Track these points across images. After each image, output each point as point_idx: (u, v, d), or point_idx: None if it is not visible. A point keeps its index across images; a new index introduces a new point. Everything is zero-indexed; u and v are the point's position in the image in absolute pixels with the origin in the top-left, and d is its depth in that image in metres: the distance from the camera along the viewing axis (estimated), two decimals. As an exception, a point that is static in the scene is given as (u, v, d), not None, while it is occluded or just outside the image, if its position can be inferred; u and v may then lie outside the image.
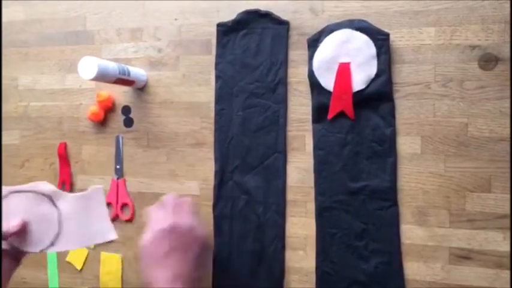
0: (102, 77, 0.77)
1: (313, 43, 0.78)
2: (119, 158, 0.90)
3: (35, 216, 0.70)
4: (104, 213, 0.73)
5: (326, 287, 0.79)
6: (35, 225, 0.70)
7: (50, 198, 0.71)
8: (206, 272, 0.78)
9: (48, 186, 0.72)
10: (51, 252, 0.72)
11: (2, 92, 0.98)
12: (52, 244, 0.70)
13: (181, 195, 0.85)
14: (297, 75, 0.81)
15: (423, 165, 0.75)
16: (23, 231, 0.70)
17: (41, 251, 0.70)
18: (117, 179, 0.90)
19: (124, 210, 0.90)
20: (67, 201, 0.72)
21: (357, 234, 0.77)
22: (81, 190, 0.89)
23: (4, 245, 0.69)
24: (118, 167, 0.90)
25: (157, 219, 0.71)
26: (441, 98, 0.74)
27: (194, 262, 0.68)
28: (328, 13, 0.79)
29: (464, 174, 0.73)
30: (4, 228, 0.68)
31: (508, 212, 0.71)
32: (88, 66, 0.75)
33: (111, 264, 0.91)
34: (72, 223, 0.71)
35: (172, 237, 0.68)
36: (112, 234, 0.73)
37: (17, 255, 0.72)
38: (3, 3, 0.97)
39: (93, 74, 0.75)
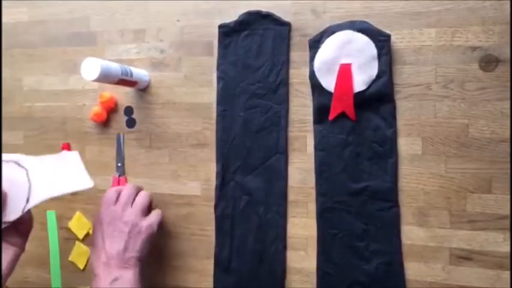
0: (105, 77, 0.77)
1: (315, 44, 0.78)
2: (120, 156, 0.91)
3: (6, 181, 0.68)
4: (79, 166, 0.75)
5: (327, 287, 0.79)
6: (9, 190, 0.68)
7: (16, 162, 0.71)
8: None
9: (11, 155, 0.71)
10: (29, 208, 0.69)
11: (1, 91, 0.99)
12: (27, 200, 0.69)
13: (181, 195, 0.87)
14: (298, 76, 0.81)
15: (424, 166, 0.75)
16: (4, 201, 0.67)
17: (22, 211, 0.68)
18: (119, 176, 0.90)
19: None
20: (34, 161, 0.72)
21: (357, 235, 0.77)
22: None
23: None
24: (119, 164, 0.91)
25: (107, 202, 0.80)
26: (442, 99, 0.74)
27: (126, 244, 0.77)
28: (330, 14, 0.79)
29: (465, 175, 0.73)
30: None
31: (509, 213, 0.71)
32: (91, 67, 0.75)
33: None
34: (42, 175, 0.70)
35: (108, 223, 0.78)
36: (88, 182, 0.74)
37: (15, 240, 0.71)
38: (9, 4, 0.98)
39: (95, 75, 0.75)
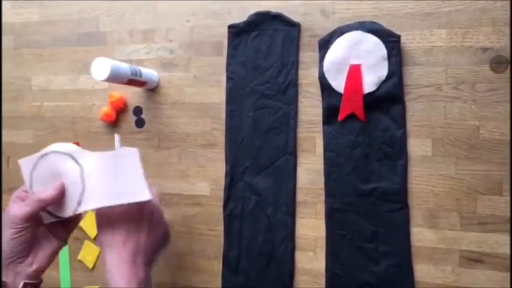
0: (115, 78, 0.78)
1: (324, 45, 0.78)
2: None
3: (62, 175, 0.67)
4: (138, 172, 0.66)
5: (335, 289, 0.79)
6: (67, 186, 0.67)
7: (72, 156, 0.67)
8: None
9: (69, 146, 0.69)
10: (80, 212, 0.66)
11: (1, 91, 1.00)
12: (79, 204, 0.66)
13: (190, 195, 0.87)
14: (307, 77, 0.81)
15: (434, 168, 0.75)
16: (62, 194, 0.66)
17: (73, 213, 0.66)
18: None
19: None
20: (90, 158, 0.67)
21: (367, 236, 0.77)
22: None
23: (46, 220, 0.68)
24: None
25: None
26: (452, 100, 0.74)
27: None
28: (339, 15, 0.79)
29: (475, 176, 0.73)
30: (43, 195, 0.65)
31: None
32: (101, 67, 0.76)
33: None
34: (96, 179, 0.66)
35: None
36: (146, 195, 0.65)
37: (60, 233, 0.70)
38: (19, 5, 0.99)
39: (105, 75, 0.75)
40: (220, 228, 0.86)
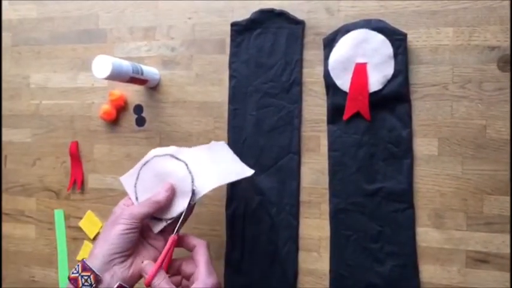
0: (116, 75, 0.76)
1: (329, 43, 0.77)
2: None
3: (169, 175, 0.69)
4: (233, 157, 0.74)
5: (340, 290, 0.78)
6: (175, 184, 0.69)
7: (172, 155, 0.70)
8: None
9: (166, 149, 0.71)
10: (195, 201, 0.68)
11: (1, 90, 0.99)
12: (193, 192, 0.67)
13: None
14: (312, 76, 0.80)
15: (440, 167, 0.74)
16: (173, 193, 0.68)
17: (189, 203, 0.67)
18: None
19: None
20: (189, 153, 0.71)
21: (372, 237, 0.77)
22: (94, 189, 0.91)
23: (157, 227, 0.69)
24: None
25: None
26: (459, 99, 0.73)
27: None
28: (344, 13, 0.78)
29: (482, 176, 0.72)
30: (157, 197, 0.67)
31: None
32: (102, 65, 0.74)
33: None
34: (201, 166, 0.69)
35: None
36: (249, 170, 0.73)
37: (158, 242, 0.70)
38: (16, 1, 0.97)
39: (107, 73, 0.74)
40: (223, 228, 0.85)
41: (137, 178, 0.70)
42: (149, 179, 0.70)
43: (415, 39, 0.75)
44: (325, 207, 0.80)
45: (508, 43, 0.71)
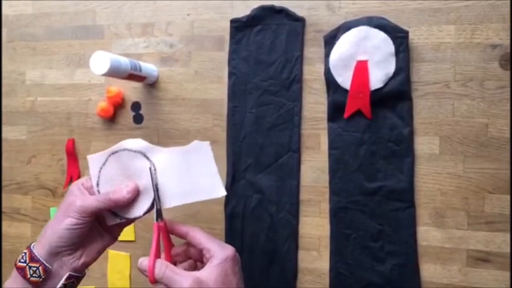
0: (114, 72, 0.75)
1: (330, 40, 0.77)
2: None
3: (134, 175, 0.64)
4: (211, 167, 0.63)
5: (340, 289, 0.78)
6: (139, 186, 0.63)
7: (144, 154, 0.64)
8: None
9: (140, 142, 0.65)
10: (150, 212, 0.63)
11: (1, 88, 0.97)
12: (152, 203, 0.62)
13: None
14: (312, 73, 0.80)
15: (441, 166, 0.74)
16: (134, 197, 0.63)
17: (144, 214, 0.63)
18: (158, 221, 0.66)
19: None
20: (162, 155, 0.64)
21: (372, 235, 0.76)
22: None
23: (110, 221, 0.64)
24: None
25: None
26: (461, 97, 0.73)
27: None
28: (345, 10, 0.78)
29: (483, 175, 0.72)
30: (116, 196, 0.62)
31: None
32: (100, 61, 0.73)
33: (119, 262, 0.90)
34: (169, 177, 0.63)
35: None
36: (220, 190, 0.63)
37: (114, 230, 0.67)
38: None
39: (105, 69, 0.73)
40: (222, 227, 0.84)
41: (104, 164, 0.65)
42: (115, 171, 0.65)
43: (417, 36, 0.74)
44: (325, 206, 0.79)
45: (510, 41, 0.70)
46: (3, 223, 0.97)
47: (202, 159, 0.64)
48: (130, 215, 0.64)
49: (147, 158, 0.64)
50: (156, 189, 0.62)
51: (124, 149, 0.64)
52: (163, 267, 0.58)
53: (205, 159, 0.64)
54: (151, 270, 0.58)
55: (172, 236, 0.63)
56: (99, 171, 0.65)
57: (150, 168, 0.63)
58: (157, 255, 0.60)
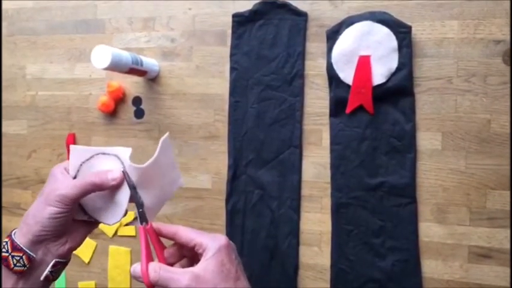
0: (116, 66, 0.75)
1: (333, 35, 0.76)
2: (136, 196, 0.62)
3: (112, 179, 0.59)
4: (173, 161, 0.62)
5: (341, 284, 0.77)
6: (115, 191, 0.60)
7: (125, 173, 0.59)
8: None
9: (127, 155, 0.60)
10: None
11: (2, 85, 0.97)
12: (126, 211, 0.60)
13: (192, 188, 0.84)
14: (314, 68, 0.79)
15: (443, 162, 0.74)
16: (117, 187, 0.59)
17: (121, 217, 0.60)
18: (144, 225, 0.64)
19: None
20: (140, 173, 0.59)
21: (374, 231, 0.76)
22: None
23: (78, 216, 0.62)
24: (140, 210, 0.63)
25: None
26: (463, 93, 0.72)
27: None
28: (348, 4, 0.77)
29: (485, 171, 0.72)
30: (98, 179, 0.58)
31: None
32: (101, 55, 0.73)
33: (119, 258, 0.89)
34: (150, 194, 0.60)
35: None
36: (181, 181, 0.63)
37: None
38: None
39: (106, 63, 0.73)
40: (222, 222, 0.84)
41: (88, 159, 0.62)
42: (96, 170, 0.61)
43: (420, 32, 0.74)
44: (327, 202, 0.79)
45: (514, 37, 0.70)
46: (3, 218, 0.96)
47: (167, 155, 0.62)
48: (98, 217, 0.61)
49: (127, 177, 0.59)
50: (136, 193, 0.59)
51: (115, 155, 0.61)
52: (157, 269, 0.56)
53: (168, 154, 0.62)
54: (146, 275, 0.56)
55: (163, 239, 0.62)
56: (81, 165, 0.62)
57: (123, 172, 0.59)
58: (150, 259, 0.58)
